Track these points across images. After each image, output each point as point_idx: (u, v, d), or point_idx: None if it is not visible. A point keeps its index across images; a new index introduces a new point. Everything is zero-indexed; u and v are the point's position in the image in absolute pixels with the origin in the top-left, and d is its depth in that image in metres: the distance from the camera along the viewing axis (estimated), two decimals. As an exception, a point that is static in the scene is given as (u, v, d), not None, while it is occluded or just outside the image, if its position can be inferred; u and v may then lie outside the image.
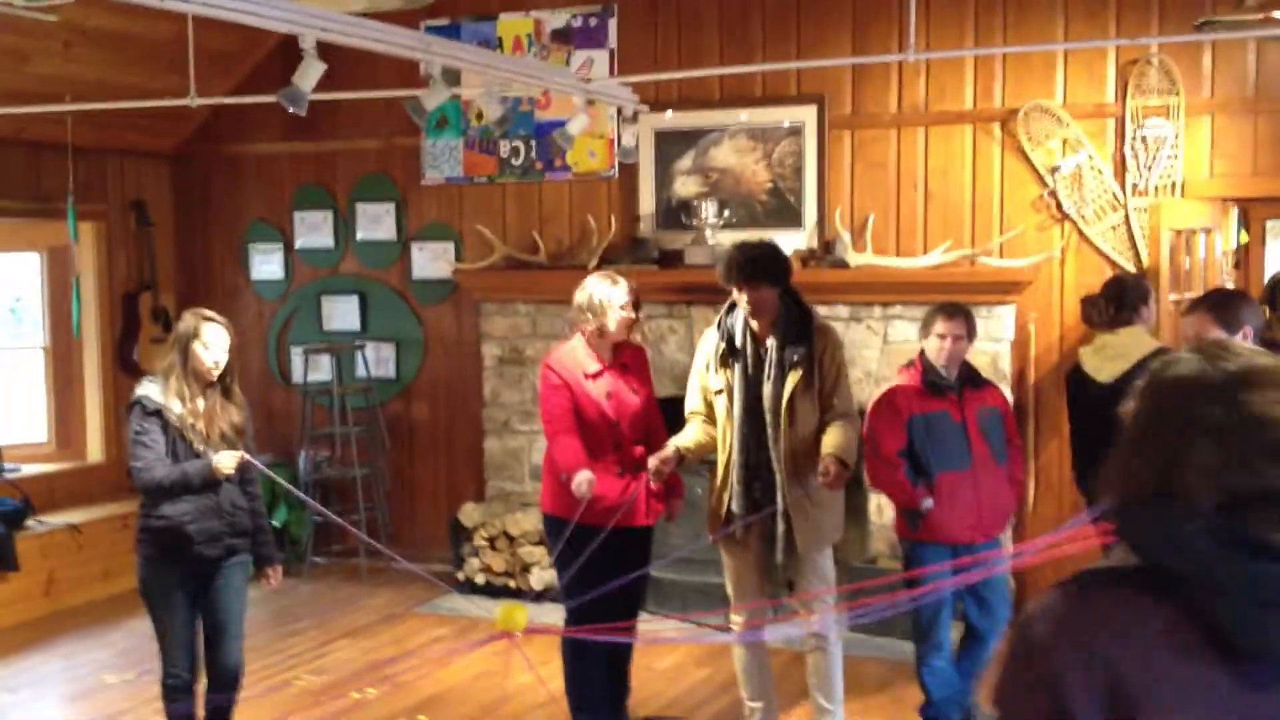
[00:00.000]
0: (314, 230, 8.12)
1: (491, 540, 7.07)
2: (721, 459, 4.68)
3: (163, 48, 6.83)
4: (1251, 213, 7.15)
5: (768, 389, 4.58)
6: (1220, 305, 4.04)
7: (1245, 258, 7.89)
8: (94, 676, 6.04)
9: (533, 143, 7.45)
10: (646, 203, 7.20)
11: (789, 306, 4.64)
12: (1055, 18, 6.42)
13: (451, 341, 7.86)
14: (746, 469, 4.60)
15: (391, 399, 8.00)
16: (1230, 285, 7.34)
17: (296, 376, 8.07)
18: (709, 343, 4.73)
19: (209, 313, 4.50)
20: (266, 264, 8.28)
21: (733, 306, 4.67)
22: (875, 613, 4.46)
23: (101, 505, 7.60)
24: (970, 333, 4.91)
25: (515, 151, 7.53)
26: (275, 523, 7.71)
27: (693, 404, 4.80)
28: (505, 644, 5.21)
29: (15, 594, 6.78)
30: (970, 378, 4.94)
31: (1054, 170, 6.41)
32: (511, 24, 7.45)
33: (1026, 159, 6.49)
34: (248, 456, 4.45)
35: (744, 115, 6.96)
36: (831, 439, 4.54)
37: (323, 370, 7.89)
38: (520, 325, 7.43)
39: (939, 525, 4.74)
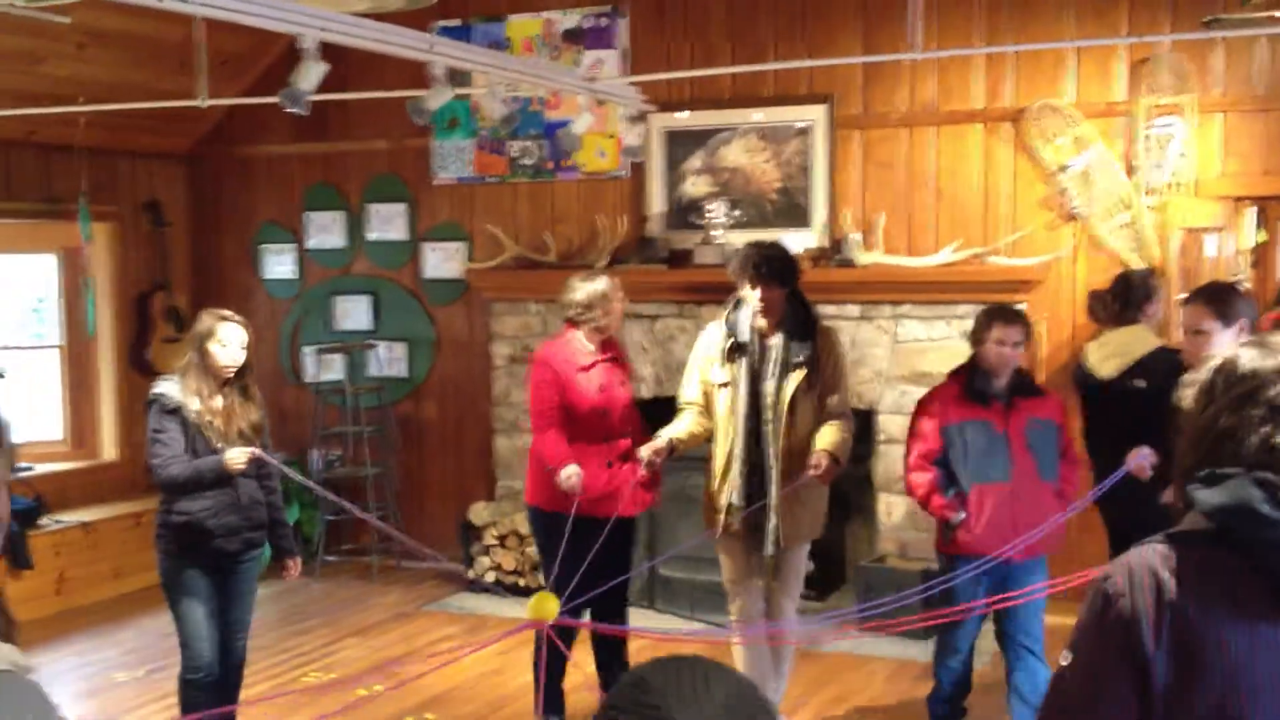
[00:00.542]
0: (325, 230, 8.15)
1: (502, 539, 7.08)
2: (722, 452, 4.75)
3: (174, 49, 6.86)
4: (1269, 211, 7.10)
5: (770, 386, 4.66)
6: (1217, 298, 4.03)
7: (1263, 256, 7.86)
8: (104, 674, 6.07)
9: (543, 143, 7.46)
10: (656, 202, 7.21)
11: (795, 307, 4.72)
12: (1065, 16, 6.39)
13: (463, 341, 7.88)
14: (748, 463, 4.67)
15: (403, 398, 8.03)
16: (1246, 284, 7.32)
17: (309, 376, 8.10)
18: (713, 337, 4.81)
19: (226, 312, 4.58)
20: (279, 264, 8.32)
21: (738, 303, 4.74)
22: (895, 625, 4.54)
23: (114, 504, 7.65)
24: (1026, 338, 4.67)
25: (526, 152, 7.54)
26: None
27: (690, 395, 4.87)
28: (510, 642, 5.31)
29: (27, 592, 6.82)
30: (1023, 386, 4.63)
31: (1064, 169, 6.39)
32: (522, 24, 7.46)
33: (1037, 158, 6.47)
34: (259, 451, 4.49)
35: (759, 115, 6.95)
36: (826, 436, 4.63)
37: (335, 370, 7.92)
38: (531, 324, 7.44)
39: (971, 539, 4.52)
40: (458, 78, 5.16)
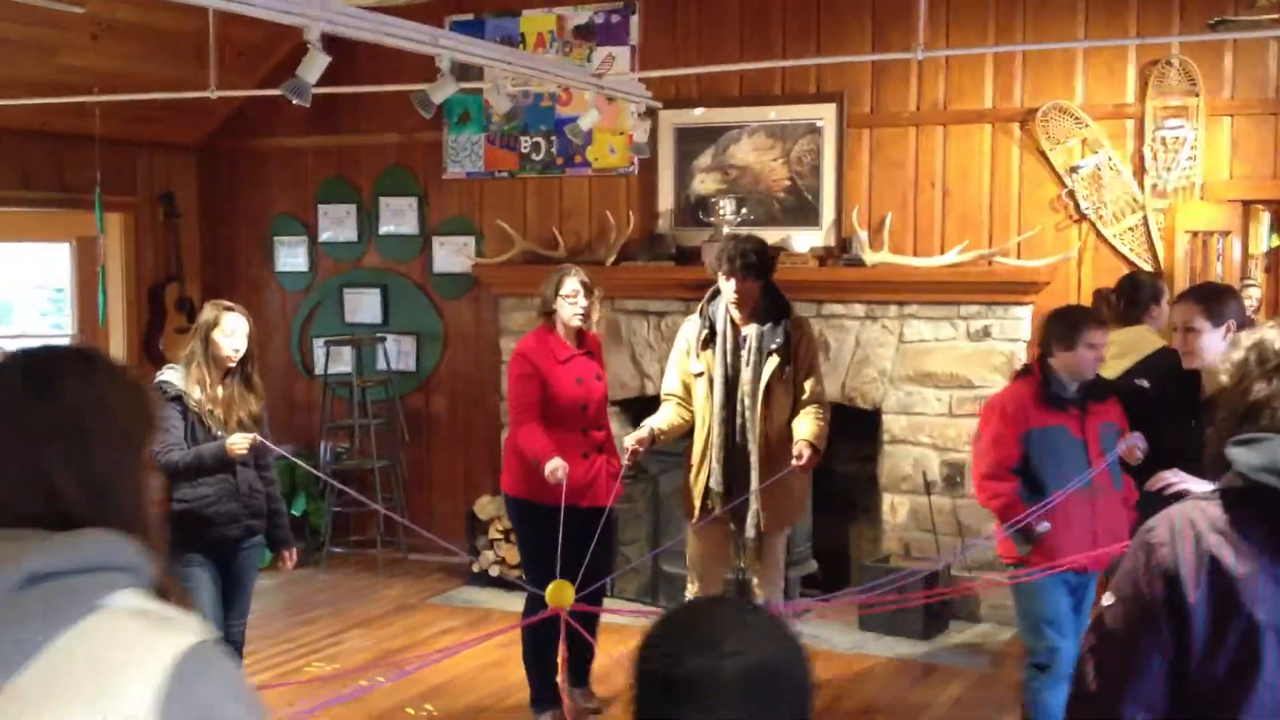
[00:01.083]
0: (338, 223, 8.20)
1: (506, 533, 7.10)
2: (700, 438, 4.95)
3: (188, 41, 6.91)
4: (1282, 216, 7.10)
5: (746, 374, 4.86)
6: (1207, 297, 4.04)
7: (1276, 261, 7.83)
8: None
9: (553, 138, 7.49)
10: (665, 199, 7.22)
11: (769, 297, 4.90)
12: (1075, 18, 6.39)
13: (470, 335, 7.92)
14: (725, 449, 4.87)
15: (411, 392, 8.06)
16: (1256, 289, 7.30)
17: (318, 368, 8.14)
18: (690, 328, 5.02)
19: (228, 303, 4.69)
20: (291, 256, 8.36)
21: (714, 294, 4.95)
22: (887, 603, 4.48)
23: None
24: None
25: (536, 147, 7.57)
26: (294, 512, 7.80)
27: (670, 386, 5.08)
28: (512, 635, 5.35)
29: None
30: (1094, 389, 4.45)
31: (1073, 170, 6.39)
32: (534, 20, 7.49)
33: (1045, 159, 6.47)
34: (260, 438, 4.55)
35: (772, 113, 6.96)
36: (805, 426, 4.81)
37: (344, 362, 7.96)
38: (540, 321, 7.44)
39: (1055, 549, 4.32)
40: (470, 72, 5.21)
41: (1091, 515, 4.31)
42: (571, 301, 5.06)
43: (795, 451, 4.70)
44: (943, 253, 6.57)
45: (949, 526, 6.55)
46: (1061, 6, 6.41)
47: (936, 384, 6.57)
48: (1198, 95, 6.16)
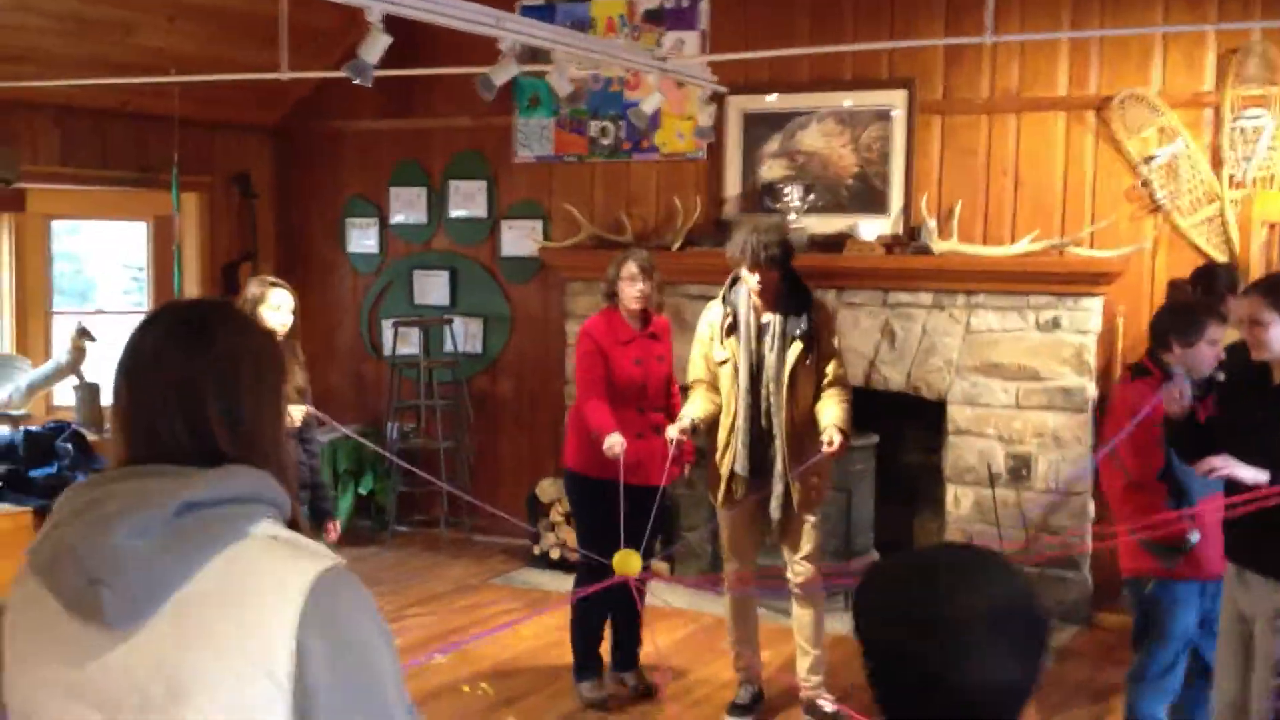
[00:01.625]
0: (409, 206, 8.26)
1: (567, 516, 7.13)
2: (725, 423, 5.02)
3: (262, 24, 6.97)
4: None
5: (771, 359, 4.92)
6: (1273, 289, 3.94)
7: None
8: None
9: (621, 123, 7.49)
10: (732, 185, 7.19)
11: (790, 284, 4.96)
12: (1154, 4, 6.25)
13: (538, 319, 7.95)
14: (751, 434, 4.94)
15: (477, 374, 8.12)
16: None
17: (387, 349, 8.22)
18: (714, 315, 5.07)
19: (273, 278, 4.86)
20: (363, 238, 8.45)
21: (735, 280, 5.01)
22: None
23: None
24: None
25: (604, 131, 7.57)
26: (362, 490, 7.90)
27: (696, 373, 5.14)
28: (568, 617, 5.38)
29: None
30: (1209, 384, 4.13)
31: (1149, 160, 6.26)
32: (605, 4, 7.49)
33: (1120, 148, 6.35)
34: (312, 410, 4.64)
35: (846, 100, 6.89)
36: (832, 411, 4.89)
37: (412, 344, 8.03)
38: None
39: (1204, 559, 4.09)
40: (537, 56, 5.21)
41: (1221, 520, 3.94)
42: (631, 283, 5.16)
43: (826, 439, 4.78)
44: (1013, 242, 6.47)
45: (1012, 519, 6.46)
46: (1140, -8, 6.28)
47: (1003, 375, 6.48)
48: (1278, 84, 6.01)
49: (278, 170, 8.69)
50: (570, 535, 7.13)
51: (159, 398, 1.57)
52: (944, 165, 6.75)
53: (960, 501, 6.63)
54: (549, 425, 7.81)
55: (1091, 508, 6.34)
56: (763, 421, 4.96)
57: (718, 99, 6.15)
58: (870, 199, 6.86)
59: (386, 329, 8.27)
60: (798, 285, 5.00)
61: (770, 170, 7.09)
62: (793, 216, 6.85)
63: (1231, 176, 6.12)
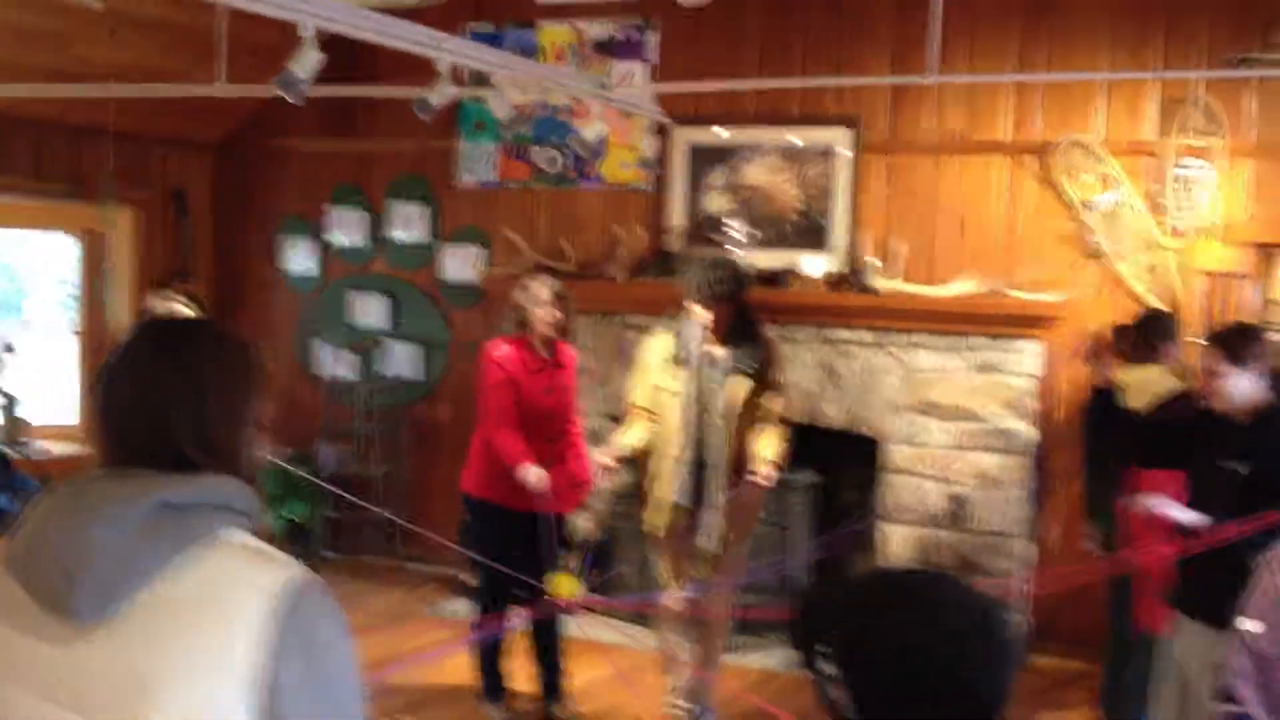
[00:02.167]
0: (348, 228, 8.15)
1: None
2: (668, 454, 4.99)
3: (205, 38, 6.88)
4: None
5: (718, 394, 4.89)
6: (1229, 342, 3.95)
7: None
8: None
9: (566, 151, 7.44)
10: (677, 216, 7.15)
11: (741, 318, 4.94)
12: (1099, 53, 6.30)
13: (479, 346, 7.83)
14: (695, 465, 4.93)
15: (416, 400, 8.00)
16: (1277, 334, 7.17)
17: (322, 371, 8.09)
18: (663, 344, 5.03)
19: (169, 291, 4.76)
20: (300, 258, 8.32)
21: (686, 312, 4.97)
22: None
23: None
24: None
25: (551, 160, 7.51)
26: (289, 516, 7.75)
27: (638, 399, 5.09)
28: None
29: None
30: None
31: (1089, 206, 6.29)
32: (553, 32, 7.44)
33: (1062, 193, 6.37)
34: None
35: (791, 136, 6.87)
36: (770, 445, 4.91)
37: (348, 367, 7.90)
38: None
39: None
40: (481, 79, 5.15)
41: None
42: (545, 308, 5.11)
43: (763, 473, 4.79)
44: (954, 283, 6.47)
45: (950, 560, 6.44)
46: (1085, 42, 6.32)
47: (941, 415, 6.47)
48: (1220, 136, 6.06)
49: (217, 187, 8.55)
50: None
51: (125, 401, 1.64)
52: (887, 204, 6.75)
53: (896, 541, 6.59)
54: (485, 454, 7.70)
55: (1033, 551, 6.33)
56: (704, 454, 4.95)
57: (662, 130, 6.11)
58: (813, 235, 6.85)
59: (323, 351, 8.13)
60: (748, 319, 4.99)
61: (715, 203, 7.06)
62: (736, 250, 6.82)
63: (1174, 226, 6.16)
